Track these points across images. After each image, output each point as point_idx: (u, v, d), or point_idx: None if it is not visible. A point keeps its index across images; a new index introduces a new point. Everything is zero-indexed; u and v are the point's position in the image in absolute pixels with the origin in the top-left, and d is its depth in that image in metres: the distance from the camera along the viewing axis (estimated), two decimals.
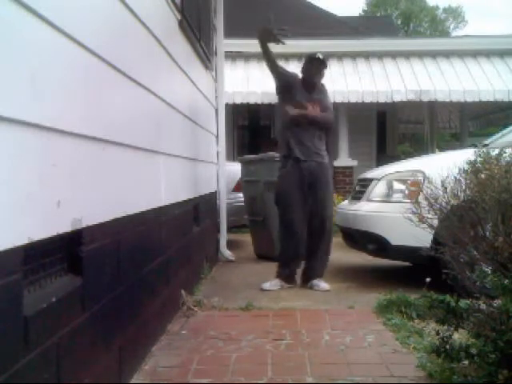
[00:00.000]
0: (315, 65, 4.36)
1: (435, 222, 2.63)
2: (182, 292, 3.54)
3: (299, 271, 4.40)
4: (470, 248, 2.35)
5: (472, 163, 2.42)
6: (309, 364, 2.52)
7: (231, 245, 6.07)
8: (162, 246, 3.02)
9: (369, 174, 4.91)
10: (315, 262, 4.30)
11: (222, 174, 5.71)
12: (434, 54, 9.84)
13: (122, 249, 2.23)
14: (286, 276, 4.29)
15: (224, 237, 5.73)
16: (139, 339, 2.49)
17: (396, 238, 4.10)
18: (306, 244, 4.34)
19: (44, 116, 1.49)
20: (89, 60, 1.86)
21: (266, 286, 4.18)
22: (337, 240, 6.05)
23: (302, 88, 4.34)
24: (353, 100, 9.22)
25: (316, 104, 4.30)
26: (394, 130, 12.53)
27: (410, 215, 2.63)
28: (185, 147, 3.90)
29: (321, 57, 4.36)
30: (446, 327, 2.21)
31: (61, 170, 1.60)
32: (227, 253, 5.69)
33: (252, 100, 9.22)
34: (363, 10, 37.07)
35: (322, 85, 4.48)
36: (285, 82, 4.37)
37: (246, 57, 9.75)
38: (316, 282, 4.24)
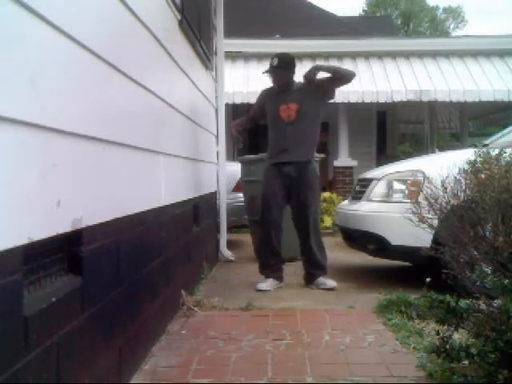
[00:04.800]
0: (271, 72, 4.37)
1: (435, 222, 2.63)
2: (182, 292, 3.54)
3: (296, 272, 4.40)
4: (470, 248, 2.35)
5: (472, 163, 2.42)
6: (309, 364, 2.52)
7: (231, 245, 6.07)
8: (162, 245, 3.02)
9: (369, 174, 4.91)
10: (314, 258, 4.30)
11: (222, 174, 5.71)
12: (433, 54, 9.85)
13: (122, 249, 2.23)
14: (276, 274, 4.30)
15: (224, 237, 5.73)
16: (139, 339, 2.49)
17: (396, 238, 4.10)
18: (300, 245, 4.40)
19: (44, 116, 1.49)
20: (89, 60, 1.86)
21: (263, 286, 4.17)
22: (337, 240, 6.06)
23: (275, 95, 4.37)
24: (353, 100, 9.22)
25: (290, 105, 4.26)
26: (393, 130, 12.55)
27: (410, 215, 2.63)
28: (185, 147, 3.90)
29: (273, 63, 4.33)
30: (445, 327, 2.21)
31: (61, 169, 1.60)
32: (227, 253, 5.69)
33: (252, 100, 9.17)
34: (363, 10, 37.06)
35: (300, 83, 4.38)
36: (261, 110, 4.47)
37: (245, 57, 9.75)
38: (322, 280, 4.23)
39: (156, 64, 2.99)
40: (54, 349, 1.54)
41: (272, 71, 4.33)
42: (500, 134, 4.56)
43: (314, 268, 4.30)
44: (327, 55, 9.93)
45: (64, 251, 1.73)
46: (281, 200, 4.31)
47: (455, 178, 2.49)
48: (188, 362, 2.55)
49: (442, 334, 2.19)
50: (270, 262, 4.32)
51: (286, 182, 4.27)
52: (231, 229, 6.37)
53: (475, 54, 9.78)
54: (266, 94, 4.48)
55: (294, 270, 4.81)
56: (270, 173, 4.31)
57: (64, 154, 1.64)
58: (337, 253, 5.93)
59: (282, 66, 4.30)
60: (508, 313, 1.93)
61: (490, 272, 2.18)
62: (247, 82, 9.29)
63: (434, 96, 9.19)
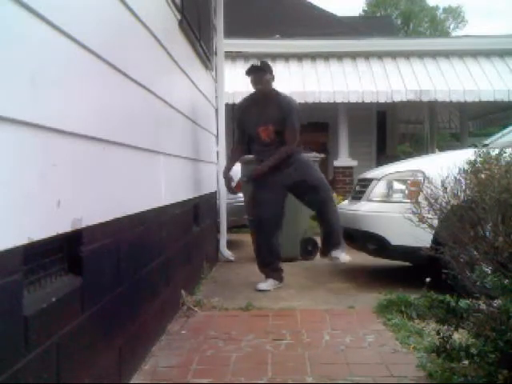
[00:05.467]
0: (251, 75, 4.34)
1: (435, 222, 2.63)
2: (182, 292, 3.55)
3: (296, 272, 4.39)
4: (470, 248, 2.35)
5: (472, 163, 2.42)
6: (309, 364, 2.52)
7: (231, 245, 6.06)
8: (162, 246, 3.02)
9: (369, 174, 4.91)
10: (329, 230, 4.36)
11: (222, 174, 5.70)
12: (433, 54, 9.84)
13: (122, 249, 2.23)
14: (275, 274, 4.31)
15: (224, 237, 5.73)
16: (139, 339, 2.49)
17: (396, 238, 4.09)
18: (318, 221, 4.47)
19: (44, 116, 1.49)
20: (89, 60, 1.86)
21: (263, 286, 4.18)
22: None
23: (251, 112, 4.33)
24: (353, 100, 9.22)
25: (269, 126, 4.25)
26: (393, 130, 12.54)
27: (410, 215, 2.63)
28: (185, 147, 3.90)
29: (255, 64, 4.39)
30: (446, 327, 2.21)
31: (61, 169, 1.60)
32: (227, 253, 5.69)
33: None
34: (363, 10, 37.05)
35: (277, 94, 4.38)
36: (241, 124, 4.45)
37: (245, 57, 9.74)
38: (335, 253, 4.31)
39: (156, 64, 2.99)
40: (54, 349, 1.54)
41: (253, 71, 4.33)
42: (500, 134, 4.56)
43: (328, 239, 4.37)
44: (327, 55, 9.93)
45: (64, 251, 1.73)
46: (277, 198, 4.29)
47: (455, 178, 2.49)
48: (188, 362, 2.55)
49: (442, 334, 2.19)
50: (267, 262, 4.33)
51: (284, 178, 4.25)
52: (231, 229, 6.37)
53: (475, 53, 9.78)
54: (242, 112, 4.44)
55: (293, 270, 4.82)
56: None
57: (64, 154, 1.64)
58: None
59: (262, 69, 4.32)
60: (508, 313, 1.93)
61: (490, 272, 2.18)
62: (247, 82, 9.26)
63: (434, 96, 9.19)
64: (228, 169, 4.53)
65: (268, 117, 4.26)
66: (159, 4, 3.09)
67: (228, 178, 4.49)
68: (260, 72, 4.28)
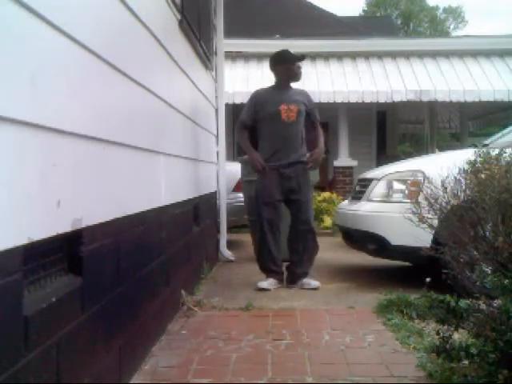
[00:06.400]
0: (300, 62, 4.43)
1: (435, 222, 2.63)
2: (182, 292, 3.55)
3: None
4: (470, 248, 2.35)
5: (472, 163, 2.42)
6: (309, 364, 2.52)
7: (231, 245, 6.07)
8: (162, 246, 3.02)
9: (369, 174, 4.91)
10: (303, 262, 4.34)
11: (222, 174, 5.71)
12: (433, 54, 9.85)
13: (122, 249, 2.23)
14: (277, 275, 4.31)
15: (224, 237, 5.73)
16: (139, 339, 2.49)
17: (396, 238, 4.09)
18: (291, 246, 4.38)
19: (44, 116, 1.49)
20: (89, 60, 1.86)
21: (263, 284, 4.17)
22: (337, 240, 6.06)
23: (273, 95, 4.34)
24: (353, 100, 9.23)
25: (292, 106, 4.27)
26: (393, 130, 12.54)
27: (410, 215, 2.63)
28: (185, 147, 3.90)
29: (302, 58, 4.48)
30: (446, 327, 2.21)
31: (61, 169, 1.60)
32: (227, 253, 5.69)
33: None
34: (363, 10, 37.09)
35: (297, 89, 4.48)
36: (256, 114, 4.36)
37: (245, 57, 9.75)
38: (306, 280, 4.26)
39: (156, 64, 2.99)
40: (54, 349, 1.54)
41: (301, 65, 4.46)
42: (500, 134, 4.56)
43: (300, 269, 4.32)
44: (327, 55, 9.94)
45: (64, 251, 1.73)
46: (278, 200, 4.30)
47: (455, 178, 2.50)
48: (188, 362, 2.55)
49: (442, 334, 2.18)
50: (267, 264, 4.33)
51: (285, 184, 4.27)
52: (231, 229, 6.37)
53: (475, 53, 9.78)
54: (261, 96, 4.38)
55: None
56: (267, 173, 4.27)
57: (64, 154, 1.64)
58: (337, 253, 5.94)
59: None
60: (508, 313, 1.93)
61: (490, 272, 2.18)
62: (247, 82, 9.30)
63: (434, 96, 9.20)
64: (255, 152, 4.33)
65: (292, 98, 4.32)
66: (159, 4, 3.09)
67: (258, 161, 4.29)
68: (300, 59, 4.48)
